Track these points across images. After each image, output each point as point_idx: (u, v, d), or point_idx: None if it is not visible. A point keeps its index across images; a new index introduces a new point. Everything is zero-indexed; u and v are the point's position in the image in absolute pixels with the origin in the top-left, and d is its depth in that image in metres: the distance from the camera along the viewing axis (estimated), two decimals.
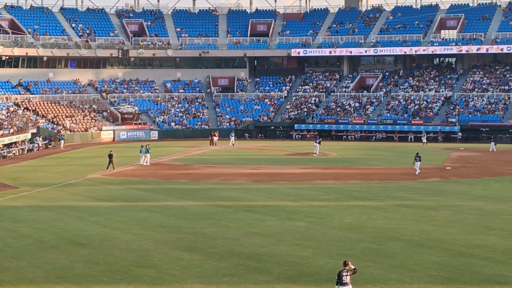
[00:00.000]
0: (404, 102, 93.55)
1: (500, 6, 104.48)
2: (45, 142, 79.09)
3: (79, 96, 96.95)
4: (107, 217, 35.84)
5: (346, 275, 20.62)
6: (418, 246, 28.60)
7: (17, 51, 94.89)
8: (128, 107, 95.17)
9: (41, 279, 24.54)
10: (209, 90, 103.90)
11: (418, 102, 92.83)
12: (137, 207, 38.89)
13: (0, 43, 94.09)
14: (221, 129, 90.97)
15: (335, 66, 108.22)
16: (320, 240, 29.83)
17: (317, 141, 71.21)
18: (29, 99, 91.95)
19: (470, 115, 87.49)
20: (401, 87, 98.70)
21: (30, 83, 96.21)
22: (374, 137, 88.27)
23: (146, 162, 59.78)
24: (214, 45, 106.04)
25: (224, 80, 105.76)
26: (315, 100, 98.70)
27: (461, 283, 23.60)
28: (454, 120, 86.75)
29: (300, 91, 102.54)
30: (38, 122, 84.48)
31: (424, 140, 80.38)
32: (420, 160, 52.49)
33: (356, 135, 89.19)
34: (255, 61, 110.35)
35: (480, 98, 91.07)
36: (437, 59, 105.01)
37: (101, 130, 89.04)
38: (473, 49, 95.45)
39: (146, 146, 61.17)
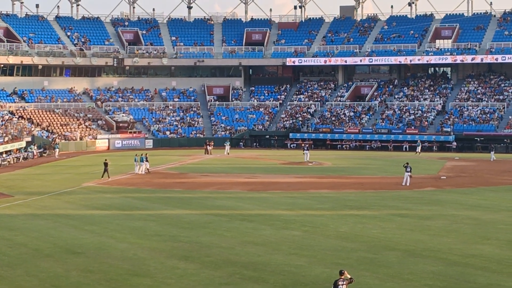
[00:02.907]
0: (399, 112, 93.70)
1: (494, 16, 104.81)
2: (39, 150, 79.02)
3: (74, 104, 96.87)
4: (102, 225, 35.78)
5: (342, 285, 20.59)
6: (413, 255, 28.60)
7: (12, 60, 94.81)
8: (123, 115, 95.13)
9: (36, 287, 24.50)
10: (206, 103, 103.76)
11: (413, 112, 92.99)
12: (132, 215, 38.84)
13: None
14: (216, 138, 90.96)
15: (330, 75, 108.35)
16: (316, 249, 29.83)
17: (306, 149, 71.75)
18: (24, 108, 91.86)
19: (464, 125, 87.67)
20: (396, 96, 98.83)
21: (25, 92, 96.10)
22: (369, 146, 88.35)
23: (141, 171, 59.77)
24: (209, 54, 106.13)
25: (219, 89, 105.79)
26: (309, 110, 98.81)
27: None
28: (448, 129, 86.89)
29: (295, 100, 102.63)
30: (33, 131, 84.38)
31: (418, 150, 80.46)
32: (408, 171, 51.89)
33: (351, 144, 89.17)
34: (250, 70, 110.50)
35: (474, 107, 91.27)
36: (432, 68, 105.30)
37: (96, 138, 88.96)
38: (467, 58, 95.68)
39: (141, 155, 61.19)
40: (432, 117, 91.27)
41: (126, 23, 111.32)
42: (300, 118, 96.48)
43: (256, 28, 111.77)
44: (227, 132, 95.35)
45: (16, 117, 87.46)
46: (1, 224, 36.27)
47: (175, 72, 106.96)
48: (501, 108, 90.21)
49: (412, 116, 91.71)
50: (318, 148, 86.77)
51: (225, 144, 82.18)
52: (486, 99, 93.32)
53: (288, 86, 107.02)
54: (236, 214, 39.23)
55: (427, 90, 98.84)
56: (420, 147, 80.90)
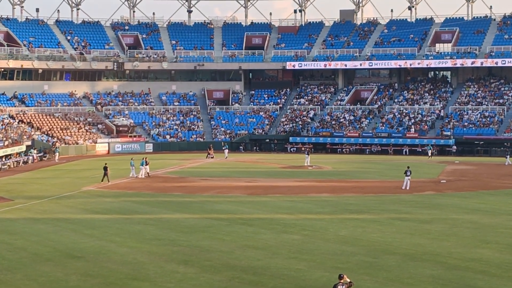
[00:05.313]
0: (399, 115, 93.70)
1: (494, 20, 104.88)
2: (39, 154, 79.01)
3: (74, 108, 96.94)
4: (102, 229, 35.75)
5: None
6: (413, 259, 28.58)
7: (12, 64, 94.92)
8: (123, 119, 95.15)
9: None
10: (206, 107, 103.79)
11: (413, 116, 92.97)
12: (132, 219, 38.81)
13: None
14: (216, 142, 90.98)
15: (330, 79, 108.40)
16: (315, 253, 29.81)
17: (307, 153, 71.93)
18: (24, 112, 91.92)
19: (464, 129, 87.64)
20: (396, 100, 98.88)
21: (25, 96, 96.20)
22: (369, 150, 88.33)
23: (142, 175, 59.73)
24: (209, 58, 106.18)
25: (219, 93, 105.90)
26: (309, 113, 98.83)
27: None
28: (448, 133, 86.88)
29: (295, 104, 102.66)
30: (33, 135, 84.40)
31: (430, 154, 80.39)
32: (408, 175, 51.88)
33: (351, 148, 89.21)
34: (250, 74, 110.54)
35: (474, 111, 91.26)
36: (432, 72, 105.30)
37: (96, 142, 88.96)
38: (467, 62, 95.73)
39: (143, 159, 61.23)
40: (432, 121, 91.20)
41: (126, 27, 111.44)
42: (300, 122, 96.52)
43: (256, 32, 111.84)
44: (227, 136, 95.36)
45: (16, 121, 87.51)
46: (1, 228, 36.23)
47: (175, 76, 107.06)
48: (501, 111, 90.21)
49: (412, 120, 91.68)
50: (318, 152, 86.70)
51: (223, 148, 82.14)
52: (486, 102, 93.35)
53: (288, 90, 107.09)
54: (236, 218, 39.19)
55: (427, 94, 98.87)
56: (431, 151, 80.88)
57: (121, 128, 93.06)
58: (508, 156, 73.24)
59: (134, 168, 60.34)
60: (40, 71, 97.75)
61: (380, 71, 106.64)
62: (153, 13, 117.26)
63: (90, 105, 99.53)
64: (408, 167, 52.38)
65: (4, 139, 76.01)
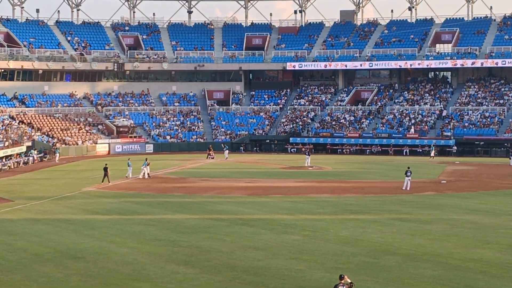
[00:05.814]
0: (399, 116, 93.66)
1: (494, 20, 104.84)
2: (40, 155, 79.00)
3: (74, 109, 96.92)
4: (102, 230, 35.75)
5: None
6: (413, 260, 28.57)
7: (13, 64, 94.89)
8: (123, 120, 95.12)
9: None
10: (206, 108, 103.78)
11: (413, 116, 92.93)
12: (132, 220, 38.82)
13: None
14: (216, 143, 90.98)
15: (330, 80, 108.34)
16: (316, 254, 29.80)
17: (307, 154, 71.87)
18: (24, 112, 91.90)
19: (465, 129, 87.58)
20: (396, 100, 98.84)
21: (25, 96, 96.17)
22: (369, 150, 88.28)
23: (143, 176, 59.70)
24: (209, 58, 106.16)
25: (220, 93, 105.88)
26: (309, 114, 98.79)
27: None
28: (449, 133, 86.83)
29: (295, 104, 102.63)
30: (33, 135, 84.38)
31: (432, 154, 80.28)
32: (408, 175, 51.87)
33: (351, 149, 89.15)
34: (251, 74, 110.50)
35: (475, 112, 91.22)
36: (432, 73, 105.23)
37: (96, 143, 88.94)
38: (468, 63, 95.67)
39: (145, 160, 61.34)
40: (432, 121, 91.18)
41: (127, 28, 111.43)
42: (300, 123, 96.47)
43: (256, 32, 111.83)
44: (228, 136, 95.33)
45: (16, 122, 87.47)
46: (1, 229, 36.23)
47: (175, 77, 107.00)
48: (501, 112, 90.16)
49: (413, 121, 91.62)
50: (319, 153, 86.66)
51: (224, 149, 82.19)
52: (486, 103, 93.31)
53: (288, 90, 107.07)
54: (236, 218, 39.20)
55: (427, 94, 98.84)
56: (433, 151, 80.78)
57: (121, 129, 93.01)
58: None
59: (131, 169, 60.40)
60: (40, 71, 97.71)
61: (380, 71, 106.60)
62: (153, 14, 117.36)
63: (90, 106, 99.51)
64: (409, 168, 52.36)
65: (5, 139, 75.97)
